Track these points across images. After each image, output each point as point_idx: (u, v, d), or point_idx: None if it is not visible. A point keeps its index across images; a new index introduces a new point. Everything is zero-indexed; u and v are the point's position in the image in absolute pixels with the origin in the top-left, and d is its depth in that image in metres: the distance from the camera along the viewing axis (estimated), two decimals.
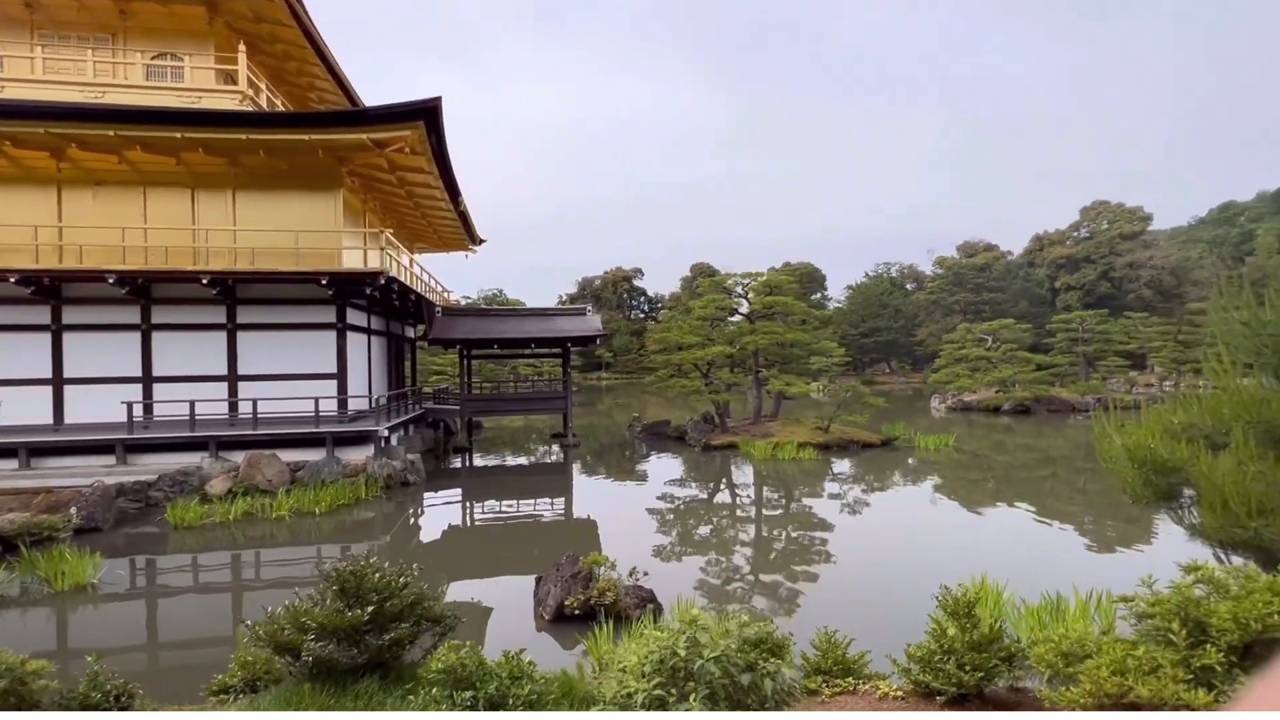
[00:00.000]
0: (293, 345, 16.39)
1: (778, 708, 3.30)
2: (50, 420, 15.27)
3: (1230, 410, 6.28)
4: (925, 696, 4.71)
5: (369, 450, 15.73)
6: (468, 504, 15.00)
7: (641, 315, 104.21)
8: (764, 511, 13.78)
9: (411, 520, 13.27)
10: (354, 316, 17.74)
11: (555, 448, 22.71)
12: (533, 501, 15.09)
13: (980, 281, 67.68)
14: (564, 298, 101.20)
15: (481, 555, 10.98)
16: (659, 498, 14.88)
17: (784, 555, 10.58)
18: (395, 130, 14.65)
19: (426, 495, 15.26)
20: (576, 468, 19.11)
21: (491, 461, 20.77)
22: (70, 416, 15.35)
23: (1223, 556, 6.74)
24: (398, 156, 16.20)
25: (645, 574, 7.84)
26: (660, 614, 7.44)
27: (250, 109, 16.06)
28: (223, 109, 15.07)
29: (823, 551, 10.64)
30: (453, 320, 22.32)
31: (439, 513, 14.04)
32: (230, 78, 16.78)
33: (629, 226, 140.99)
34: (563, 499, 15.43)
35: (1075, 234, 72.92)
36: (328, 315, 16.51)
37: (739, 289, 23.37)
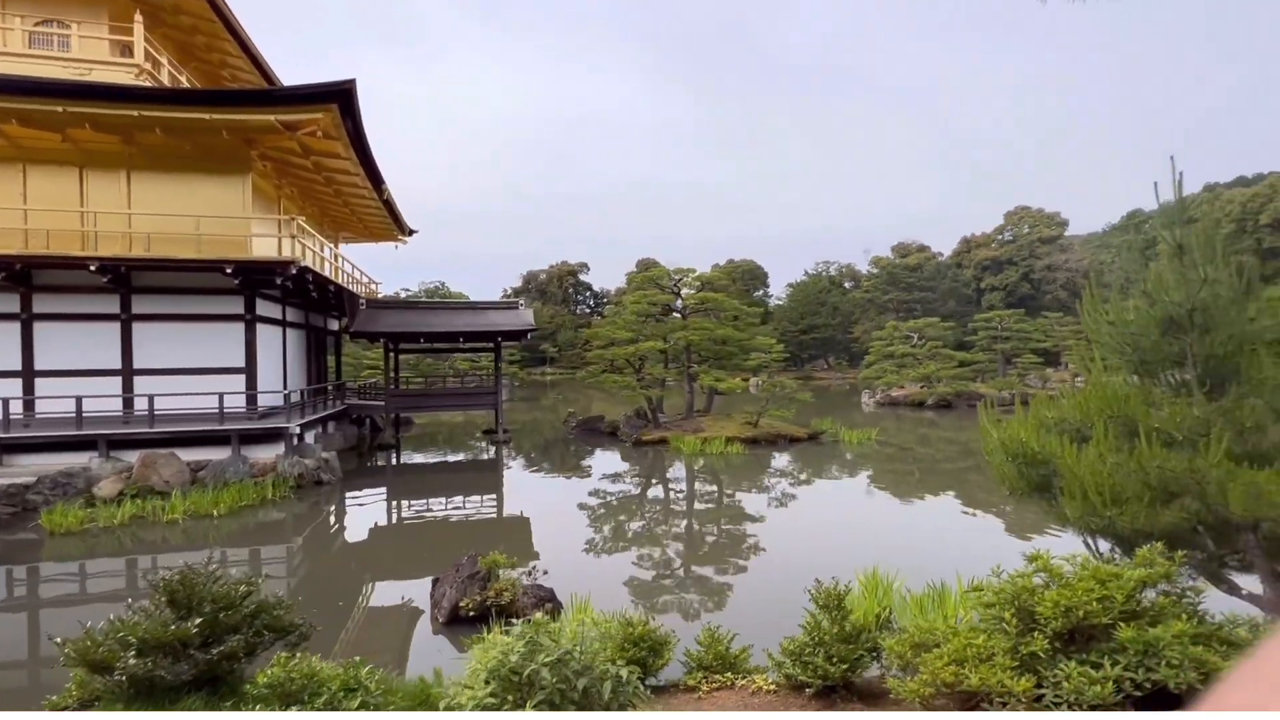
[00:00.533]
0: (196, 337, 15.47)
1: (622, 709, 3.23)
2: None
3: (1094, 405, 6.62)
4: (795, 690, 4.75)
5: (279, 448, 14.99)
6: (388, 503, 14.51)
7: (588, 310, 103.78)
8: (684, 506, 13.84)
9: (323, 521, 12.72)
10: (266, 308, 16.87)
11: (486, 444, 22.27)
12: (454, 500, 14.71)
13: (912, 281, 70.27)
14: (508, 291, 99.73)
15: (392, 556, 10.60)
16: (584, 494, 14.75)
17: (700, 550, 10.63)
18: (306, 112, 13.96)
19: (344, 495, 14.66)
20: (505, 464, 18.79)
21: (419, 459, 20.18)
22: None
23: (1090, 544, 7.16)
24: (312, 141, 15.45)
25: (545, 573, 7.70)
26: (560, 613, 7.33)
27: (149, 84, 15.01)
28: (112, 83, 14.00)
29: (740, 546, 10.74)
30: (377, 313, 21.55)
31: (355, 513, 13.51)
32: (126, 50, 15.65)
33: (576, 222, 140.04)
34: (484, 496, 15.11)
35: (1000, 237, 76.58)
36: (235, 306, 15.65)
37: (673, 285, 23.43)
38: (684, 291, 23.30)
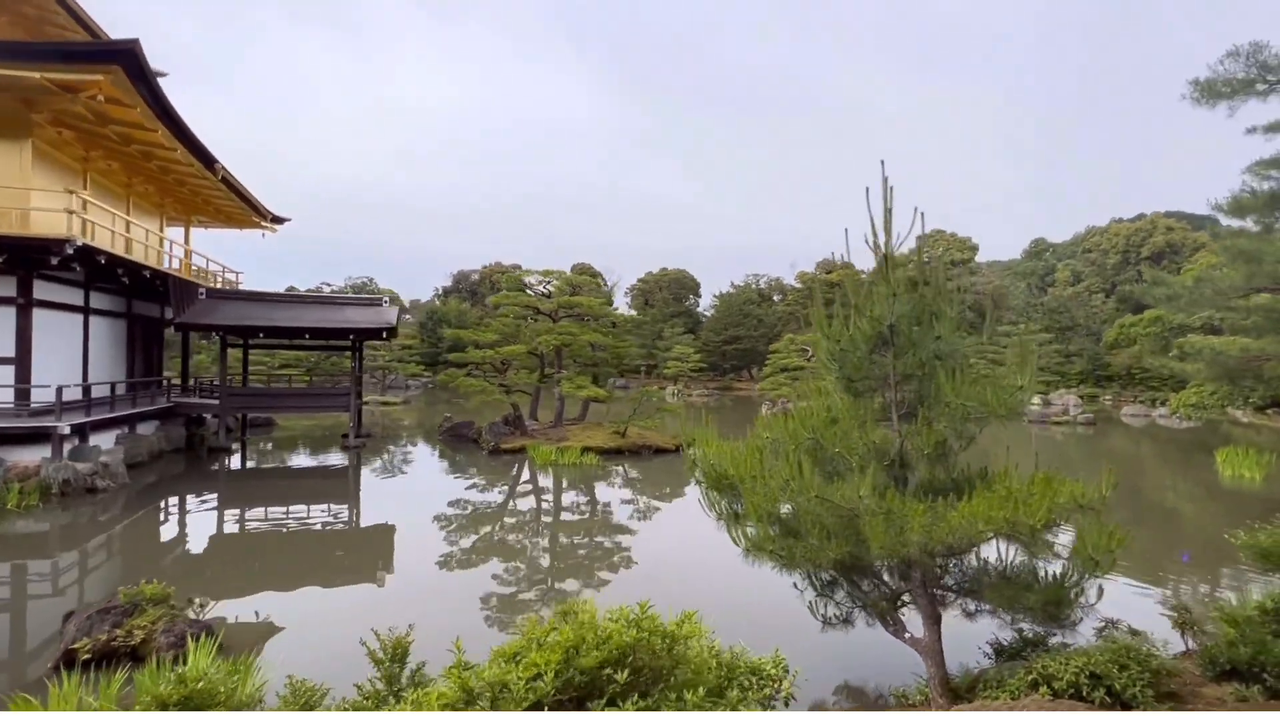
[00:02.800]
0: None
1: None
2: None
3: (795, 427, 6.13)
4: None
5: (47, 450, 13.26)
6: (170, 514, 12.97)
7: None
8: (492, 519, 12.91)
9: (48, 536, 11.11)
10: (53, 292, 15.05)
11: (340, 449, 20.76)
12: (271, 510, 13.33)
13: (829, 297, 71.56)
14: (439, 290, 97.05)
15: (99, 583, 9.23)
16: (398, 504, 13.64)
17: (472, 565, 9.73)
18: (81, 73, 12.40)
19: (123, 505, 13.02)
20: (348, 472, 17.43)
21: (255, 464, 18.53)
22: None
23: (813, 576, 6.66)
24: (109, 109, 13.84)
25: (205, 604, 6.62)
26: (219, 649, 6.28)
27: None
28: None
29: (520, 561, 9.90)
30: (217, 304, 19.78)
31: (114, 528, 11.92)
32: None
33: (516, 224, 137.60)
34: (308, 506, 13.76)
35: (914, 259, 79.21)
36: (5, 288, 13.82)
37: (541, 287, 22.58)
38: (552, 294, 22.42)
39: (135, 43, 12.43)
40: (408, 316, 75.26)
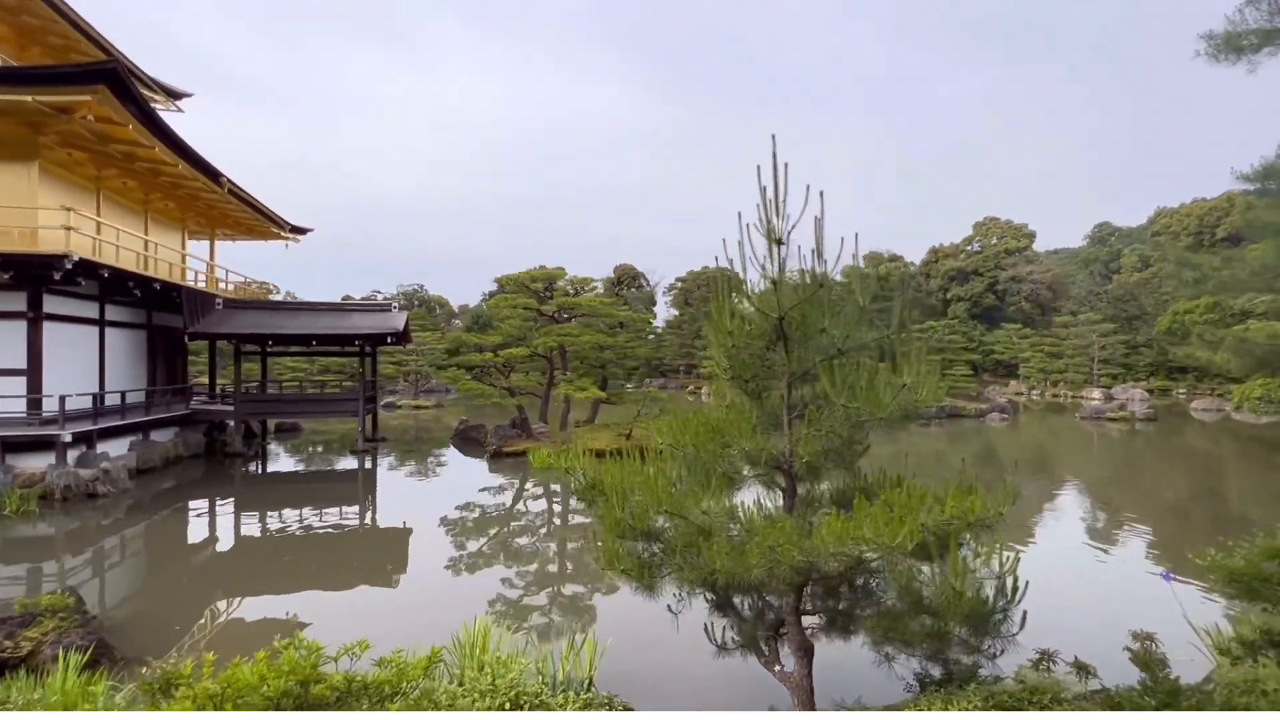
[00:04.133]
0: None
1: None
2: None
3: (678, 433, 5.59)
4: None
5: (54, 457, 13.87)
6: (159, 520, 13.35)
7: (647, 317, 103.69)
8: (459, 525, 12.72)
9: (24, 542, 11.51)
10: (66, 305, 15.77)
11: (350, 453, 21.14)
12: (267, 517, 13.59)
13: (876, 291, 69.12)
14: (485, 295, 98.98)
15: (53, 585, 9.45)
16: (400, 508, 13.65)
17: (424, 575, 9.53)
18: (69, 94, 12.87)
19: (121, 510, 13.48)
20: (353, 476, 17.74)
21: (266, 469, 19.04)
22: None
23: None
24: (106, 129, 14.40)
25: (95, 616, 6.58)
26: (113, 664, 6.22)
27: None
28: None
29: (442, 566, 9.65)
30: (232, 314, 20.44)
31: (100, 535, 12.31)
32: None
33: (560, 226, 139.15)
34: (304, 511, 13.97)
35: (968, 248, 75.74)
36: (16, 303, 14.54)
37: (544, 290, 22.37)
38: (556, 296, 22.19)
39: (117, 64, 12.85)
40: (457, 321, 77.06)
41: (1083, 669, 5.37)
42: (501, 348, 20.91)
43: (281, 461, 20.41)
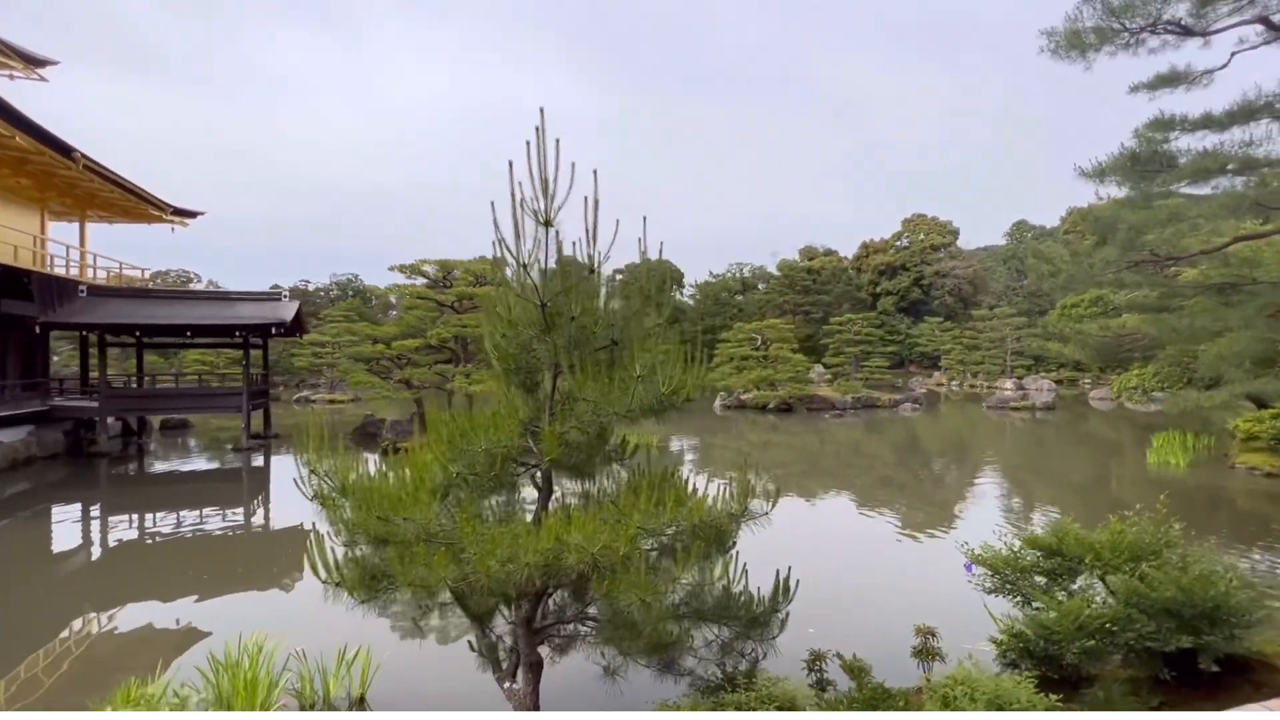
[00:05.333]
0: None
1: None
2: None
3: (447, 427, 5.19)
4: None
5: None
6: None
7: (470, 306, 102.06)
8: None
9: None
10: None
11: (241, 451, 19.90)
12: (65, 521, 12.45)
13: (808, 284, 70.69)
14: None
15: None
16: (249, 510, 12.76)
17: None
18: None
19: None
20: (241, 476, 16.69)
21: (135, 469, 17.67)
22: None
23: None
24: None
25: None
26: None
27: None
28: None
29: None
30: (98, 302, 18.88)
31: None
32: None
33: (497, 216, 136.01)
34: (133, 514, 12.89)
35: (897, 243, 78.04)
36: None
37: (444, 279, 21.58)
38: (453, 285, 21.43)
39: None
40: (394, 313, 74.61)
41: (853, 669, 5.24)
42: (396, 339, 20.03)
43: (160, 461, 19.05)
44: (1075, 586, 4.61)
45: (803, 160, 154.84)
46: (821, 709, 4.15)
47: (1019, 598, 4.69)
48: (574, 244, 4.95)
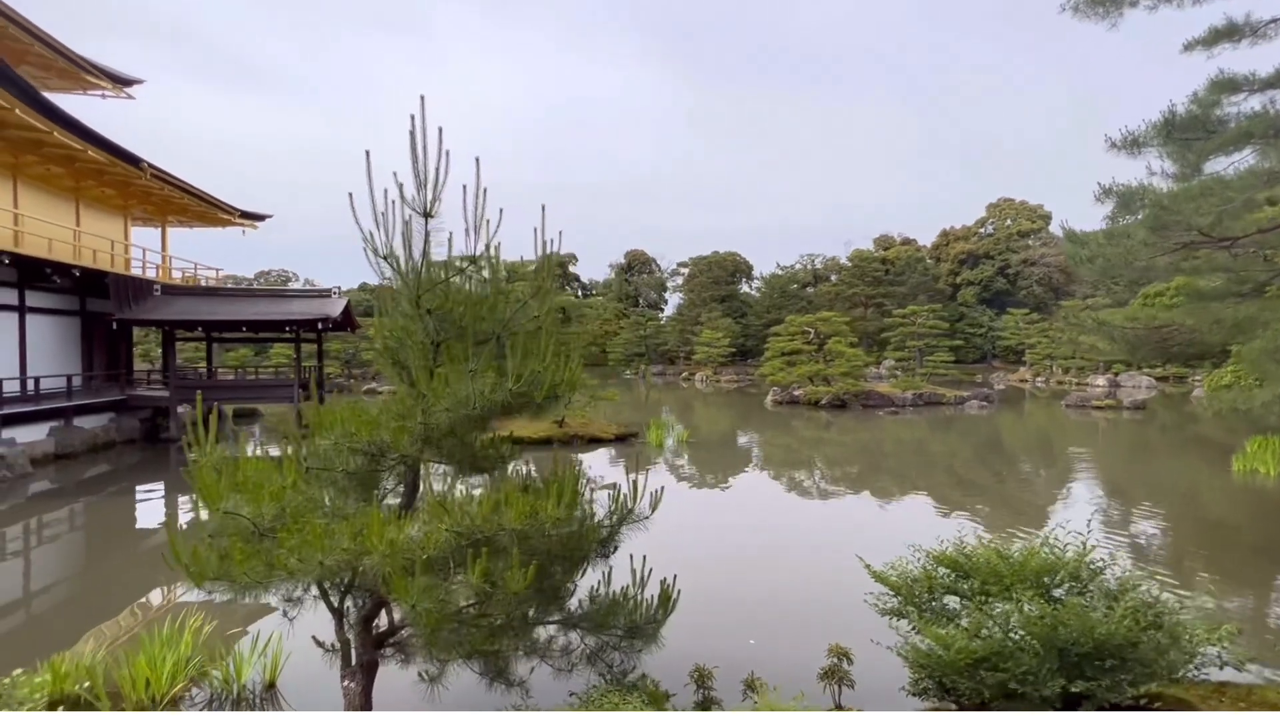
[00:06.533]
0: None
1: None
2: None
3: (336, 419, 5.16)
4: None
5: None
6: (34, 505, 13.42)
7: (587, 302, 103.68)
8: None
9: None
10: None
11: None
12: (119, 500, 13.60)
13: (878, 275, 67.60)
14: None
15: None
16: None
17: None
18: None
19: (15, 494, 13.60)
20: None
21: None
22: None
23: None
24: (3, 114, 14.38)
25: None
26: None
27: None
28: None
29: None
30: (169, 300, 20.54)
31: None
32: None
33: (568, 211, 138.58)
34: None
35: (981, 230, 73.35)
36: None
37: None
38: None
39: None
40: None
41: (755, 686, 4.86)
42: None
43: (228, 448, 20.52)
44: (998, 611, 4.04)
45: (883, 146, 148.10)
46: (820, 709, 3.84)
47: (914, 621, 4.15)
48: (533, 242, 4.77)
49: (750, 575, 8.68)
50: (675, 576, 4.92)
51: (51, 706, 5.36)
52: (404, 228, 4.89)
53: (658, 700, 4.00)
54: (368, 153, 4.62)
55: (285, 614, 4.66)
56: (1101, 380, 46.19)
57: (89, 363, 19.99)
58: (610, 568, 4.98)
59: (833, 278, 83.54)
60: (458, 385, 4.26)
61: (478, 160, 5.14)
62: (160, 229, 24.80)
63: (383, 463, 4.78)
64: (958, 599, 4.35)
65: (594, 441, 19.82)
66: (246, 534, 4.10)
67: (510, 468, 5.54)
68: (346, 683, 4.09)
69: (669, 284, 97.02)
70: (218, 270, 26.29)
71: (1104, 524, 10.77)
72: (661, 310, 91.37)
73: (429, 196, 4.96)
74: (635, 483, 4.93)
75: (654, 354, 71.44)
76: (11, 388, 16.42)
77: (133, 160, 18.06)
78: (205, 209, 23.59)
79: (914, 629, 4.08)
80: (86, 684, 5.35)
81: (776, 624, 7.10)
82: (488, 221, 5.03)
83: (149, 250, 23.42)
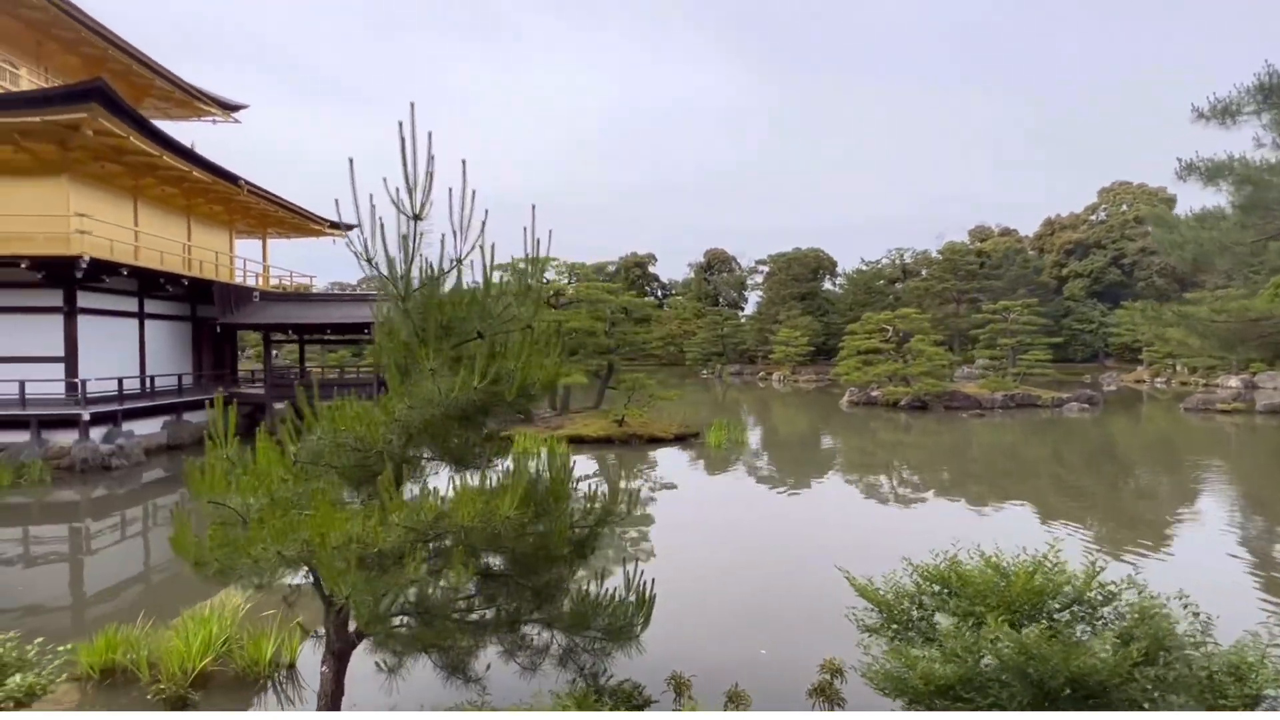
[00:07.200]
0: (19, 328, 16.67)
1: None
2: None
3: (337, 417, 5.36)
4: None
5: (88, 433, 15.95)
6: (144, 489, 14.93)
7: (654, 302, 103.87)
8: None
9: (32, 506, 13.24)
10: (102, 300, 17.91)
11: None
12: None
13: (972, 269, 63.48)
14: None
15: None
16: None
17: None
18: (70, 113, 14.54)
19: (120, 480, 15.26)
20: None
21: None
22: None
23: None
24: (119, 142, 16.12)
25: None
26: None
27: None
28: None
29: None
30: (266, 306, 22.39)
31: (93, 501, 13.95)
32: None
33: (651, 212, 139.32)
34: None
35: (1091, 218, 67.52)
36: (54, 299, 16.74)
37: (558, 277, 22.48)
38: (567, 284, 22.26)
39: (99, 81, 14.33)
40: (569, 307, 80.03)
41: (737, 698, 4.66)
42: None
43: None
44: (976, 636, 3.66)
45: (977, 136, 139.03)
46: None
47: (894, 641, 3.82)
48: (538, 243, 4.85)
49: (773, 582, 8.33)
50: (653, 580, 4.81)
51: (103, 674, 5.95)
52: (402, 230, 5.05)
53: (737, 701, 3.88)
54: (350, 160, 4.76)
55: (285, 600, 4.90)
56: (1235, 381, 41.30)
57: (198, 363, 22.09)
58: (635, 562, 4.94)
59: (923, 273, 79.28)
60: (422, 383, 4.32)
61: (464, 163, 5.20)
62: (261, 240, 27.05)
63: (369, 458, 4.94)
64: (951, 618, 3.97)
65: (653, 441, 19.77)
66: (233, 523, 4.36)
67: (519, 464, 5.56)
68: (323, 668, 4.27)
69: (748, 282, 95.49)
70: (311, 277, 28.37)
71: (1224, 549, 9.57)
72: (741, 309, 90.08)
73: (418, 200, 5.06)
74: (615, 484, 4.87)
75: (733, 353, 70.57)
76: (131, 386, 18.41)
77: (232, 178, 19.77)
78: (299, 220, 25.50)
79: (887, 649, 3.76)
80: (130, 655, 5.89)
81: (792, 634, 6.79)
82: (485, 222, 5.10)
83: (250, 260, 25.68)
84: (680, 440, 20.15)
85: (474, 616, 4.55)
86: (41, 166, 16.53)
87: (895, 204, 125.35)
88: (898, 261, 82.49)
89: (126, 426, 17.28)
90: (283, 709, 5.64)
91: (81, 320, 17.03)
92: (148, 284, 19.31)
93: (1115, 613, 3.63)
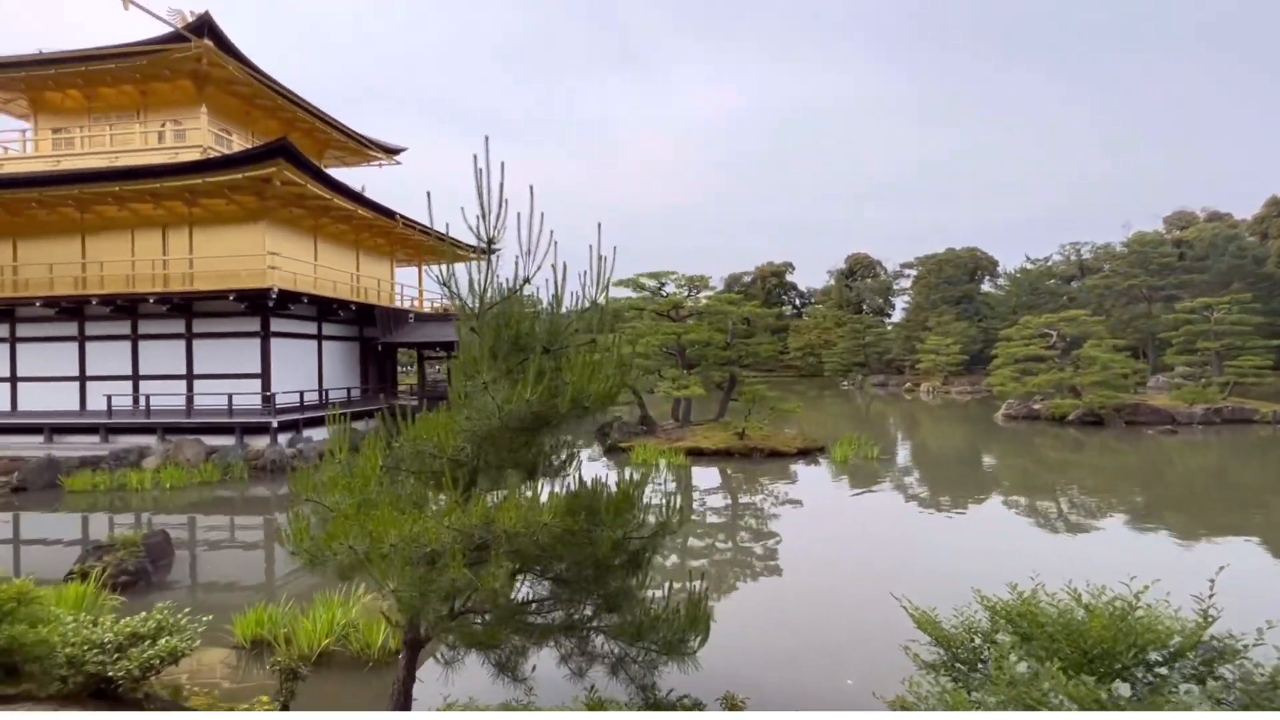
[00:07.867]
0: (228, 350, 19.96)
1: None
2: (76, 406, 20.55)
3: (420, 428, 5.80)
4: None
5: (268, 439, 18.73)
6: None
7: (792, 311, 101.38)
8: None
9: (224, 500, 15.64)
10: (290, 325, 20.94)
11: None
12: None
13: (1168, 260, 54.79)
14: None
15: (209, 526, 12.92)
16: None
17: None
18: (262, 169, 17.27)
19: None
20: None
21: None
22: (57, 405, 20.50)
23: None
24: (300, 190, 18.89)
25: (164, 550, 9.07)
26: (149, 587, 8.66)
27: (195, 159, 19.74)
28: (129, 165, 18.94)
29: None
30: (419, 326, 24.92)
31: (280, 496, 16.27)
32: (223, 133, 20.93)
33: (791, 218, 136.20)
34: None
35: None
36: (253, 325, 19.85)
37: (678, 291, 22.65)
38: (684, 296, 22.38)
39: (285, 140, 16.90)
40: (690, 320, 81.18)
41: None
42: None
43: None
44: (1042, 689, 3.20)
45: (1169, 106, 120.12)
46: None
47: (955, 682, 3.40)
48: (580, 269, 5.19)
49: (880, 610, 7.72)
50: (708, 595, 4.70)
51: (253, 645, 6.94)
52: (481, 257, 5.45)
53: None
54: (429, 194, 5.21)
55: (381, 593, 5.43)
56: None
57: (364, 378, 25.01)
58: (702, 578, 4.91)
59: (1105, 268, 69.73)
60: (481, 396, 4.61)
61: (531, 189, 5.49)
62: (417, 267, 30.12)
63: (443, 465, 5.35)
64: (1031, 661, 3.50)
65: (775, 455, 19.21)
66: (325, 519, 4.93)
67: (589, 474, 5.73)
68: (402, 655, 4.67)
69: (894, 286, 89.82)
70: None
71: None
72: (888, 316, 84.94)
73: (491, 225, 5.43)
74: (669, 500, 4.84)
75: (876, 363, 66.68)
76: (310, 398, 21.28)
77: (389, 214, 22.29)
78: (447, 248, 28.04)
79: (944, 693, 3.37)
80: (272, 631, 6.83)
81: (894, 667, 6.27)
82: (555, 243, 5.36)
83: (407, 286, 28.67)
84: (804, 454, 19.40)
85: (533, 619, 4.74)
86: (246, 215, 19.76)
87: (1066, 195, 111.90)
88: (1073, 257, 73.52)
89: (306, 433, 20.00)
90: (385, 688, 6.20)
91: (274, 342, 20.02)
92: (324, 310, 22.26)
93: (1240, 671, 3.00)
